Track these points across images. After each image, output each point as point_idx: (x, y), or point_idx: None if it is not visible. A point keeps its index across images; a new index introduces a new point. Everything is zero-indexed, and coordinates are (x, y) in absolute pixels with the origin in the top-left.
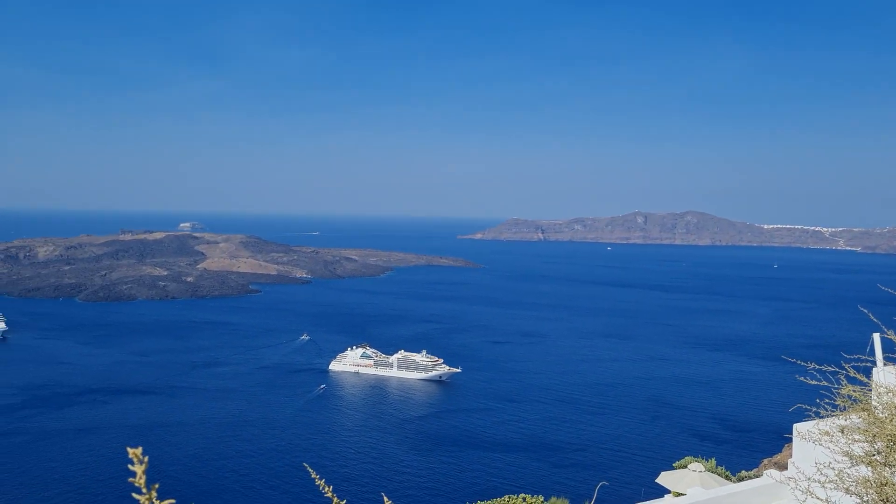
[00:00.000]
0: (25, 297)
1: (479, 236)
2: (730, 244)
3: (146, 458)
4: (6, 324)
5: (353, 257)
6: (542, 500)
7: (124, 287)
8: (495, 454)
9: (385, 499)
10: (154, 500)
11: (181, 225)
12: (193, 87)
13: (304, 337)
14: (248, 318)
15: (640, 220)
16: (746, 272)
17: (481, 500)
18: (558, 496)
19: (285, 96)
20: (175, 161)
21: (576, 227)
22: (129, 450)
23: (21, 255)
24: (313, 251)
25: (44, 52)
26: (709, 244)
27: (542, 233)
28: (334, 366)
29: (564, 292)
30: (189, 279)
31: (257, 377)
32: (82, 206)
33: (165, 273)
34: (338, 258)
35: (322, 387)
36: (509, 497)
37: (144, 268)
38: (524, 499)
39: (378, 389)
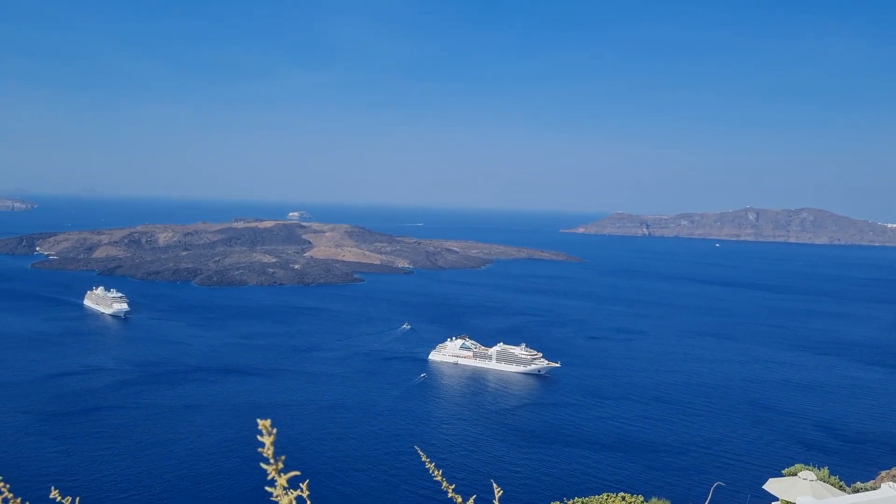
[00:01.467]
0: (146, 280)
1: (581, 230)
2: (849, 243)
3: (274, 431)
4: (128, 304)
5: (455, 249)
6: (641, 500)
7: (236, 273)
8: (590, 451)
9: (494, 486)
10: (280, 470)
11: (290, 214)
12: (302, 81)
13: (405, 326)
14: (350, 306)
15: (751, 216)
16: (866, 273)
17: (578, 497)
18: (659, 497)
19: (390, 88)
20: (285, 152)
21: (682, 222)
22: (259, 421)
23: (143, 241)
24: (415, 242)
25: (165, 48)
26: (826, 243)
27: (647, 228)
28: (434, 356)
29: (667, 289)
30: (296, 266)
31: (357, 364)
32: (199, 195)
33: (274, 260)
34: (439, 249)
35: (422, 376)
36: (608, 495)
37: (255, 255)
38: (623, 497)
39: (476, 381)
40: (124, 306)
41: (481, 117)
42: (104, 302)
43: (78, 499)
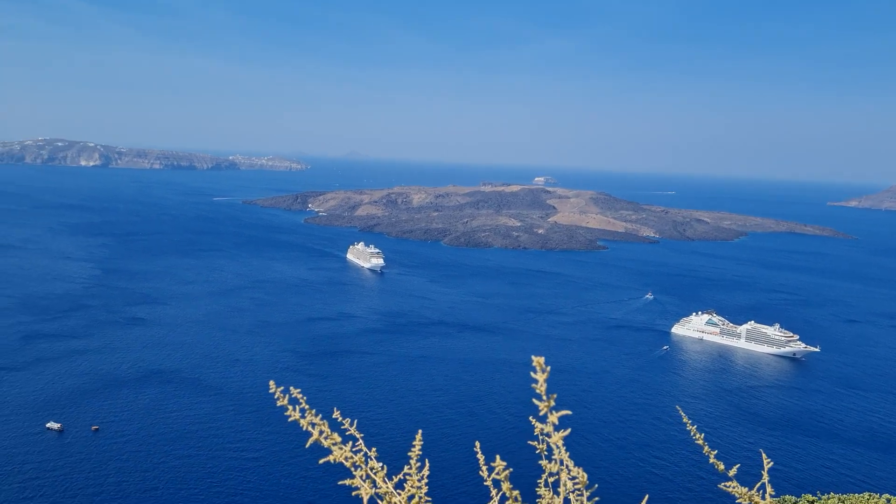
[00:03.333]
0: (400, 238)
1: (853, 203)
2: None
3: (548, 368)
4: (384, 260)
5: (705, 219)
6: None
7: (482, 235)
8: (841, 446)
9: (763, 456)
10: (552, 408)
11: (535, 179)
12: (553, 46)
13: (648, 296)
14: (591, 273)
15: None
16: None
17: (835, 494)
18: None
19: (643, 51)
20: (532, 118)
21: None
22: (533, 358)
23: (399, 201)
24: (662, 211)
25: (421, 18)
26: None
27: None
28: (677, 329)
29: None
30: (539, 231)
31: (594, 331)
32: (450, 160)
33: (518, 224)
34: (688, 219)
35: (664, 348)
36: (870, 495)
37: (500, 218)
38: (888, 500)
39: (722, 359)
40: (380, 261)
41: (738, 79)
42: (363, 256)
43: (355, 421)
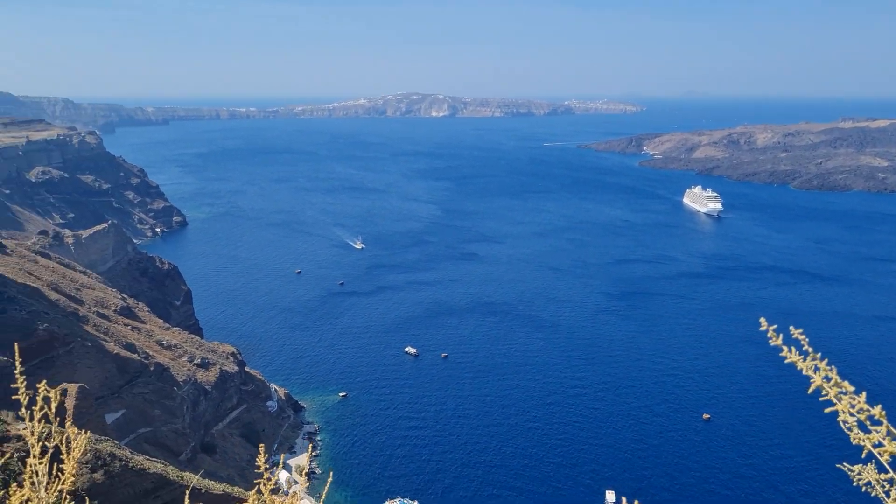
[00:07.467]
0: (741, 181)
1: None
2: None
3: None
4: (722, 204)
5: None
6: None
7: (839, 177)
8: None
9: None
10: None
11: None
12: None
13: None
14: None
15: None
16: None
17: None
18: None
19: None
20: None
21: None
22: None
23: (741, 141)
24: None
25: None
26: None
27: None
28: None
29: None
30: None
31: None
32: (801, 93)
33: (886, 164)
34: None
35: None
36: None
37: (863, 157)
38: None
39: None
40: (718, 206)
41: None
42: (700, 200)
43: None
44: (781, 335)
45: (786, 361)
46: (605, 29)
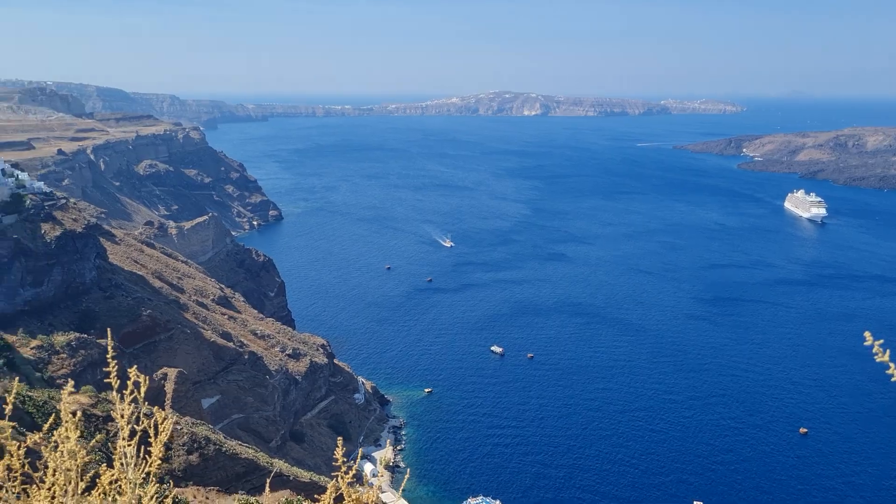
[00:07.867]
0: (848, 186)
1: None
2: None
3: None
4: (826, 210)
5: None
6: None
7: None
8: None
9: None
10: None
11: None
12: None
13: None
14: None
15: None
16: None
17: None
18: None
19: None
20: None
21: None
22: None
23: (850, 144)
24: None
25: None
26: None
27: None
28: None
29: None
30: None
31: None
32: None
33: None
34: None
35: None
36: None
37: None
38: None
39: None
40: (822, 211)
41: None
42: (802, 205)
43: None
44: (888, 350)
45: (892, 380)
46: (709, 26)
